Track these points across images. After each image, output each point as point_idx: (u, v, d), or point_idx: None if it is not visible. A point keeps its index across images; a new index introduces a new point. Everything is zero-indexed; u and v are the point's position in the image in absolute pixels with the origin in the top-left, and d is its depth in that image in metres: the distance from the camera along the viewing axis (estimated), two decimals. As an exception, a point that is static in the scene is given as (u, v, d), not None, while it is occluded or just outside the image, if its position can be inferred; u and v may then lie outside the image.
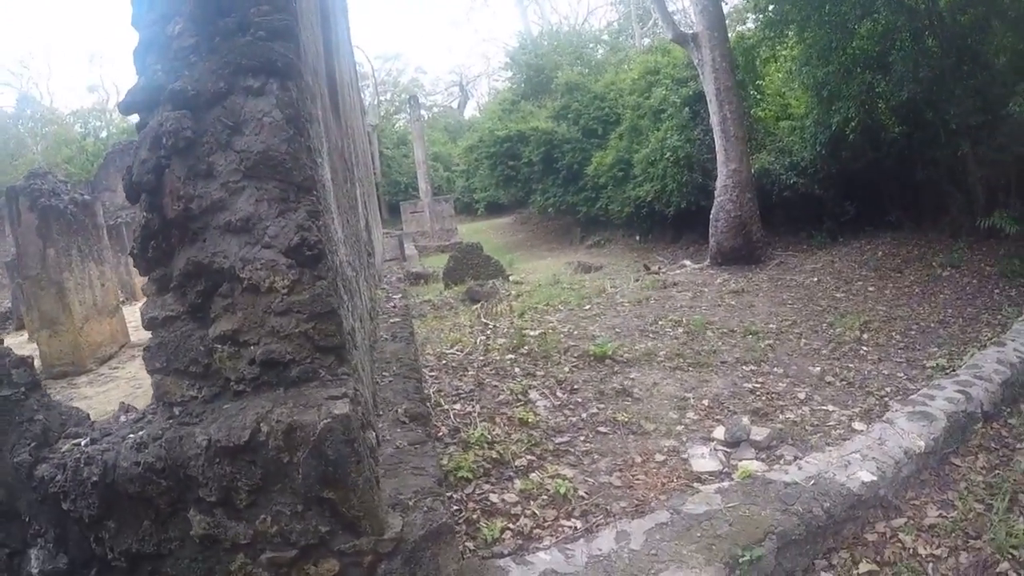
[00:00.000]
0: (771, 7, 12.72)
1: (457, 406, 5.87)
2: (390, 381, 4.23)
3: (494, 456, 4.72)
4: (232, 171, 2.44)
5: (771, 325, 8.22)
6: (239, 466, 2.41)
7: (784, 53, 14.55)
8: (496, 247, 22.63)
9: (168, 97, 2.43)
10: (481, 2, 46.32)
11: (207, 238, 2.49)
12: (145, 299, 2.76)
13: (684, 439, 4.98)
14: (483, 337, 8.19)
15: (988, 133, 10.50)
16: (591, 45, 32.70)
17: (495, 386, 6.33)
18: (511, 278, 13.51)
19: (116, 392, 7.24)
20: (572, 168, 20.36)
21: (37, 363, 8.41)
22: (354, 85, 10.15)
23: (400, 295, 7.67)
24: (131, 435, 2.77)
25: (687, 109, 15.93)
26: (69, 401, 7.18)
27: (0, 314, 14.11)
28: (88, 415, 3.26)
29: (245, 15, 2.49)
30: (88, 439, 2.91)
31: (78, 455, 2.78)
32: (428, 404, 4.02)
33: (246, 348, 2.55)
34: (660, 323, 8.40)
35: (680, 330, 8.06)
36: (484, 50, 48.95)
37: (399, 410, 3.66)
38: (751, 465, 4.27)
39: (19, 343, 9.70)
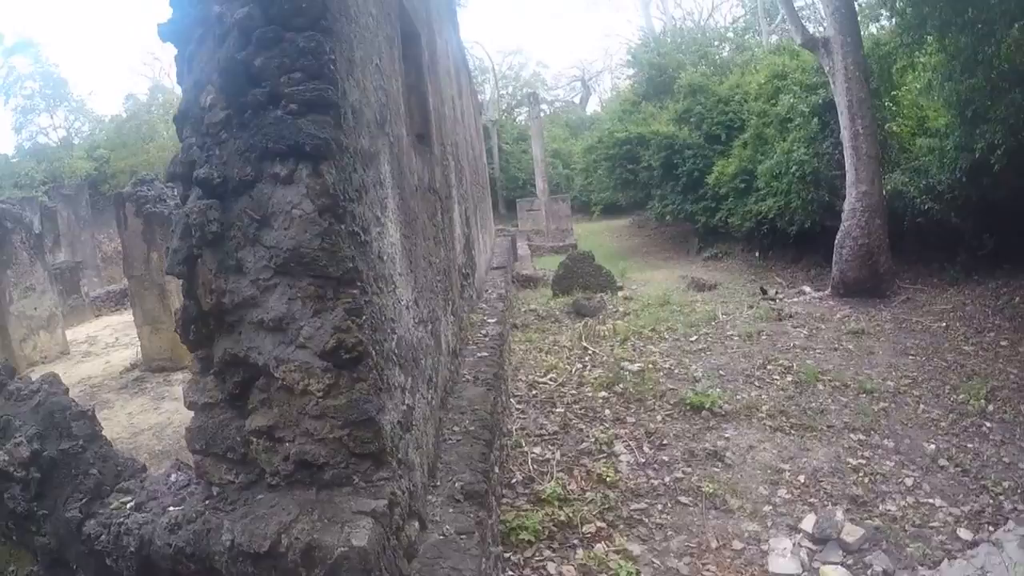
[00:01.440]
0: (909, 10, 11.39)
1: (537, 449, 5.70)
2: (458, 440, 4.06)
3: (562, 519, 4.50)
4: (262, 268, 2.28)
5: (889, 382, 7.53)
6: (261, 569, 2.32)
7: (923, 61, 13.18)
8: (610, 252, 22.22)
9: (197, 182, 2.30)
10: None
11: (242, 331, 2.38)
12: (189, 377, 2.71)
13: (768, 524, 4.58)
14: (579, 365, 7.97)
15: None
16: (716, 43, 31.38)
17: (581, 430, 6.10)
18: (620, 293, 13.12)
19: (207, 395, 7.59)
20: (692, 175, 19.60)
21: (139, 354, 8.95)
22: (464, 92, 9.99)
23: (496, 320, 7.48)
24: (171, 507, 2.75)
25: (816, 119, 14.88)
26: (161, 398, 7.60)
27: (118, 292, 15.29)
28: (144, 466, 3.29)
29: (276, 84, 2.27)
30: (134, 502, 2.92)
31: (120, 520, 2.80)
32: (491, 476, 3.82)
33: (281, 444, 2.45)
34: (768, 367, 7.88)
35: (788, 379, 7.53)
36: (606, 45, 47.85)
37: (457, 484, 3.48)
38: (834, 573, 3.84)
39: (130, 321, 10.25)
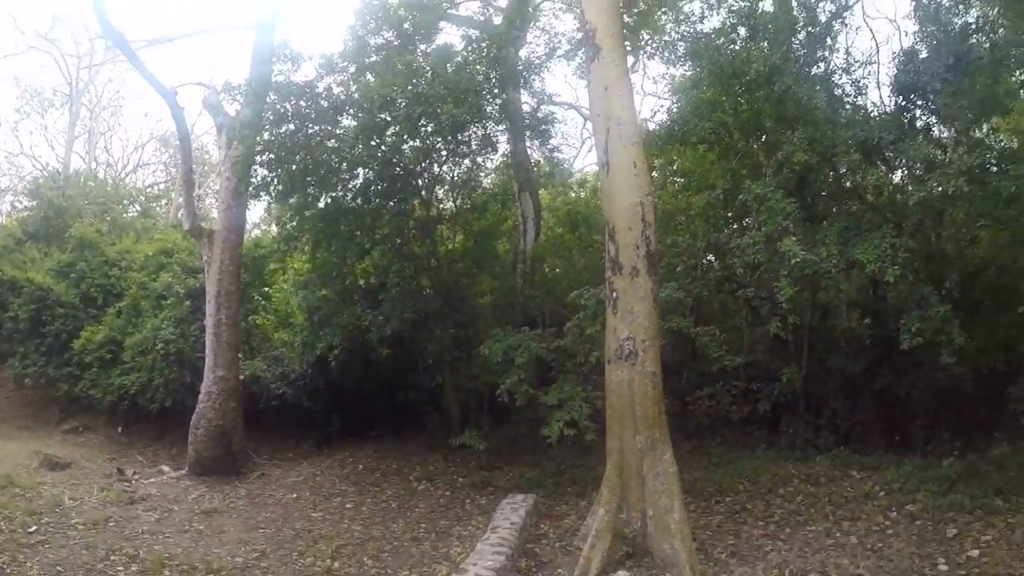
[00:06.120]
0: (291, 224, 13.63)
1: None
2: None
3: None
4: None
5: (238, 558, 8.21)
6: None
7: (295, 267, 15.56)
8: (-42, 417, 18.75)
9: None
10: (37, 112, 39.10)
11: None
12: None
13: None
14: None
15: (464, 365, 12.28)
16: (125, 201, 30.63)
17: None
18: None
19: None
20: (61, 337, 17.92)
21: None
22: None
23: None
24: None
25: (189, 302, 15.51)
26: None
27: None
28: None
29: None
30: None
31: None
32: None
33: None
34: (112, 558, 7.84)
35: (134, 568, 7.62)
36: (22, 162, 40.59)
37: None
38: None
39: None
